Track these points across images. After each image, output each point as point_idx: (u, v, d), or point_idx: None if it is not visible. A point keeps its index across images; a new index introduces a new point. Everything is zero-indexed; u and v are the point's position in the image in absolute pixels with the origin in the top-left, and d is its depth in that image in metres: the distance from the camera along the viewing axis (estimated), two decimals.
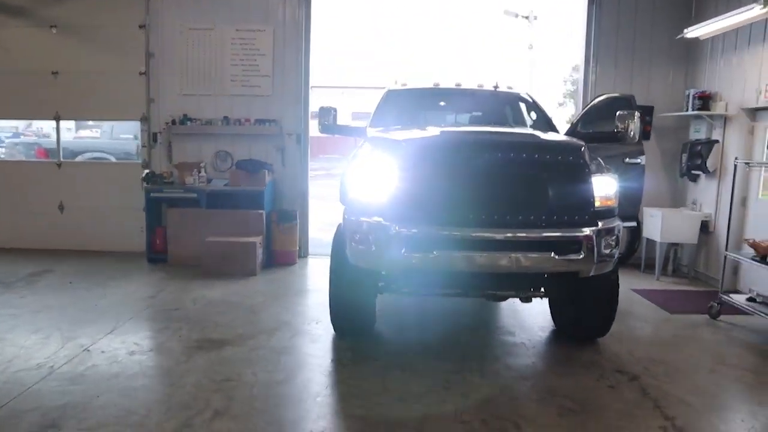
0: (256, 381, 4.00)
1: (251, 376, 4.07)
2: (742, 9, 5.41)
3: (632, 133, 4.95)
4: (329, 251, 7.94)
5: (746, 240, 5.49)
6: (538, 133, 4.86)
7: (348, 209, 4.34)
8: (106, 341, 4.64)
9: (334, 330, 4.87)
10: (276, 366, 4.27)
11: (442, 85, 6.05)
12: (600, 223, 4.15)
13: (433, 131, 4.56)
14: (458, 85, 6.04)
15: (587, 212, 4.13)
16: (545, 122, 5.64)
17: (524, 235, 3.98)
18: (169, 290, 6.15)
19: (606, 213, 4.25)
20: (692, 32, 6.29)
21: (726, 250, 5.81)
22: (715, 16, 5.98)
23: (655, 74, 7.54)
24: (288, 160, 7.73)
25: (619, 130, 4.96)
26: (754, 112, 6.48)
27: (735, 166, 5.68)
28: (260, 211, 7.17)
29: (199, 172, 7.31)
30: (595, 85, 7.55)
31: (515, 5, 17.84)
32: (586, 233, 4.05)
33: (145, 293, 6.04)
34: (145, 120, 7.67)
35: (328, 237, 9.21)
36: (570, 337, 5.01)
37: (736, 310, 5.62)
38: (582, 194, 4.11)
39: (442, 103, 6.29)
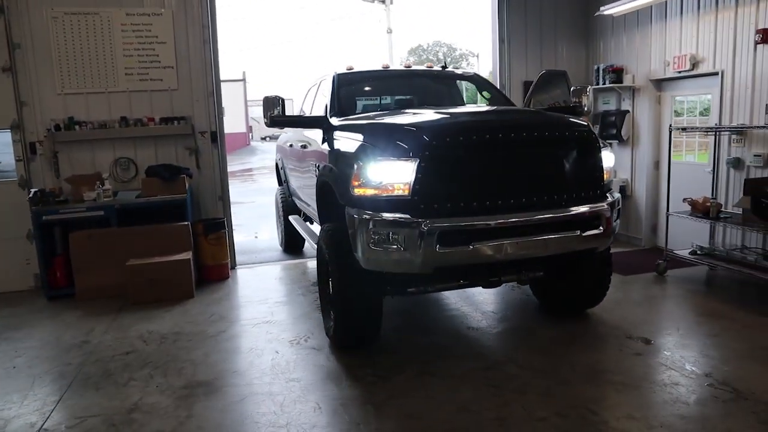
0: (293, 422, 3.41)
1: (283, 417, 3.46)
2: None
3: (586, 105, 5.12)
4: (257, 258, 7.56)
5: (685, 199, 5.97)
6: (544, 112, 4.73)
7: (355, 209, 3.84)
8: (63, 412, 3.65)
9: (339, 343, 4.36)
10: (298, 401, 3.68)
11: (392, 68, 5.71)
12: (609, 196, 4.19)
13: (446, 115, 4.23)
14: (408, 66, 5.75)
15: (599, 187, 4.13)
16: (504, 100, 5.58)
17: (556, 215, 3.85)
18: (100, 331, 5.07)
19: (609, 186, 4.30)
20: (609, 10, 6.67)
21: (667, 210, 6.28)
22: None
23: (561, 52, 7.91)
24: (204, 162, 6.81)
25: (575, 103, 5.11)
26: (660, 83, 7.09)
27: (670, 131, 6.15)
28: (185, 223, 6.23)
29: (102, 184, 6.12)
30: (509, 64, 7.72)
31: None
32: (604, 207, 4.05)
33: (71, 339, 4.90)
34: (16, 128, 6.22)
35: (252, 242, 8.66)
36: (554, 313, 5.06)
37: (676, 264, 6.15)
38: (595, 169, 4.09)
39: (396, 86, 5.93)
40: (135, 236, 6.04)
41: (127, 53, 6.41)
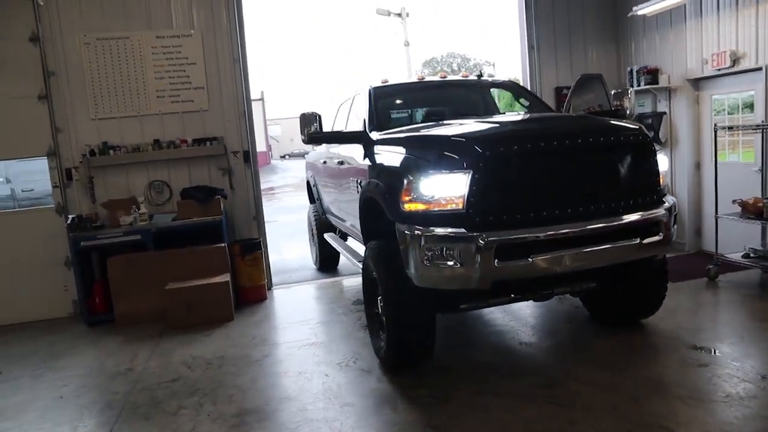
0: None
1: None
2: None
3: (629, 108, 4.99)
4: (291, 277, 7.47)
5: (735, 201, 5.77)
6: (598, 118, 4.59)
7: (405, 224, 3.72)
8: None
9: (392, 363, 4.22)
10: (356, 427, 3.56)
11: (427, 79, 5.63)
12: (666, 201, 4.03)
13: (496, 124, 4.12)
14: (443, 77, 5.66)
15: (656, 192, 3.97)
16: (543, 106, 5.46)
17: (614, 223, 3.70)
18: (144, 357, 5.00)
19: (665, 191, 4.14)
20: (642, 10, 6.53)
21: (716, 212, 6.07)
22: None
23: (591, 55, 7.77)
24: (237, 182, 6.77)
25: (617, 106, 4.98)
26: (698, 83, 6.90)
27: (715, 131, 5.96)
28: (222, 245, 6.17)
29: (138, 208, 6.10)
30: (539, 70, 7.60)
31: (386, 3, 17.88)
32: (662, 212, 3.89)
33: (114, 367, 4.84)
34: (52, 154, 6.24)
35: (284, 262, 8.57)
36: (607, 324, 4.88)
37: (728, 268, 5.94)
38: (651, 174, 3.94)
39: (435, 97, 5.81)
40: (172, 259, 6.00)
41: (158, 76, 6.42)
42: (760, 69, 5.99)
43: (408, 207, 3.73)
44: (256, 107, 7.85)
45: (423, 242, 3.59)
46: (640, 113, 7.49)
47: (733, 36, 6.27)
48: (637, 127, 3.99)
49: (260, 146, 40.84)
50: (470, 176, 3.52)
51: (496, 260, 3.48)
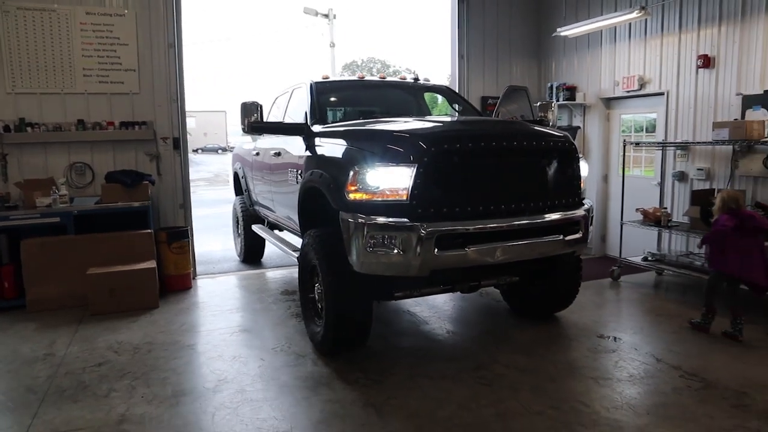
0: (297, 425, 3.38)
1: (285, 422, 3.42)
2: (620, 13, 6.31)
3: (551, 120, 5.45)
4: (215, 268, 7.36)
5: (638, 209, 6.39)
6: (530, 124, 4.93)
7: (350, 213, 3.87)
8: (42, 427, 3.43)
9: (329, 348, 4.32)
10: (296, 405, 3.65)
11: (367, 78, 5.80)
12: (585, 203, 4.45)
13: (440, 123, 4.36)
14: (382, 78, 5.86)
15: (578, 194, 4.38)
16: (475, 112, 5.80)
17: (544, 220, 4.05)
18: (63, 343, 4.78)
19: (584, 193, 4.56)
20: (565, 32, 7.08)
21: (621, 219, 6.69)
22: (563, 21, 6.85)
23: (516, 69, 8.29)
24: (165, 168, 6.60)
25: (542, 117, 5.42)
26: (609, 102, 7.58)
27: (624, 145, 6.58)
28: (148, 231, 6.00)
29: (58, 190, 5.80)
30: (468, 79, 8.01)
31: (314, 3, 17.90)
32: (583, 213, 4.30)
33: (31, 353, 4.59)
34: None
35: (206, 253, 8.34)
36: (525, 316, 5.27)
37: (629, 270, 6.57)
38: (575, 178, 4.34)
39: (368, 95, 5.99)
40: (94, 244, 5.76)
41: (86, 54, 6.15)
42: (662, 94, 6.70)
43: (353, 196, 3.87)
44: None
45: (367, 230, 3.75)
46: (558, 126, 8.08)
47: (642, 62, 6.97)
48: (565, 135, 4.39)
49: None
50: (415, 170, 3.73)
51: (435, 249, 3.71)
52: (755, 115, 5.65)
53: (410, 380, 3.97)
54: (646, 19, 6.75)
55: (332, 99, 5.57)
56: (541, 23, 8.26)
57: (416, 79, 6.04)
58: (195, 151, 44.14)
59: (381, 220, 3.74)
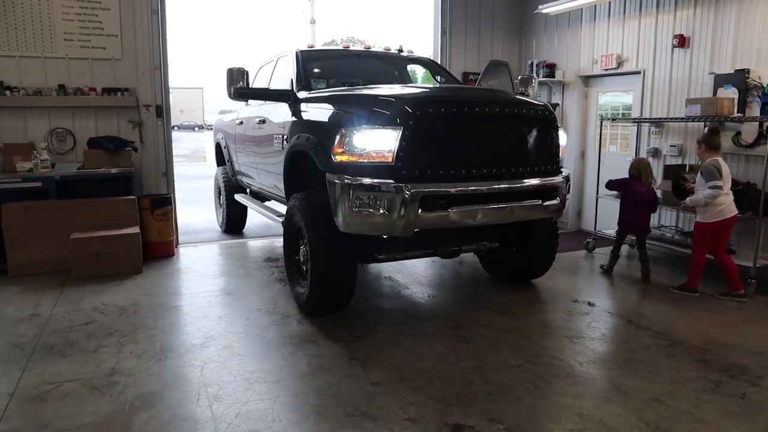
0: (284, 377, 3.50)
1: (272, 375, 3.53)
2: None
3: (531, 95, 5.58)
4: (197, 238, 7.39)
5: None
6: (513, 93, 5.05)
7: (336, 174, 3.96)
8: (33, 380, 3.50)
9: (313, 309, 4.43)
10: (282, 358, 3.77)
11: (351, 48, 5.86)
12: (563, 171, 4.61)
13: (425, 89, 4.45)
14: (367, 48, 5.92)
15: (556, 162, 4.53)
16: (456, 83, 5.90)
17: (523, 185, 4.20)
18: (48, 305, 4.80)
19: (562, 162, 4.72)
20: (546, 9, 7.20)
21: (597, 193, 6.88)
22: None
23: (497, 45, 8.40)
24: (147, 136, 6.59)
25: (522, 91, 5.55)
26: (588, 79, 7.75)
27: (601, 120, 6.77)
28: (132, 197, 6.01)
29: (39, 154, 5.76)
30: (450, 54, 8.10)
31: None
32: (560, 180, 4.46)
33: (15, 314, 4.61)
34: None
35: (187, 224, 8.34)
36: (504, 283, 5.45)
37: (603, 243, 6.79)
38: (553, 146, 4.49)
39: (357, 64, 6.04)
40: (77, 209, 5.75)
41: (66, 17, 6.08)
42: (639, 72, 6.88)
43: (339, 158, 3.97)
44: None
45: (353, 191, 3.85)
46: None
47: (620, 41, 7.13)
48: (545, 104, 4.52)
49: None
50: (401, 132, 3.83)
51: (419, 210, 3.83)
52: (726, 93, 5.86)
53: (393, 337, 4.11)
54: None
55: (317, 67, 5.61)
56: (524, 1, 8.36)
57: (400, 51, 6.12)
58: (172, 128, 43.45)
59: (367, 181, 3.84)
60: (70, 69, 6.16)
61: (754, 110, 5.60)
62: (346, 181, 3.88)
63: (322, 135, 4.20)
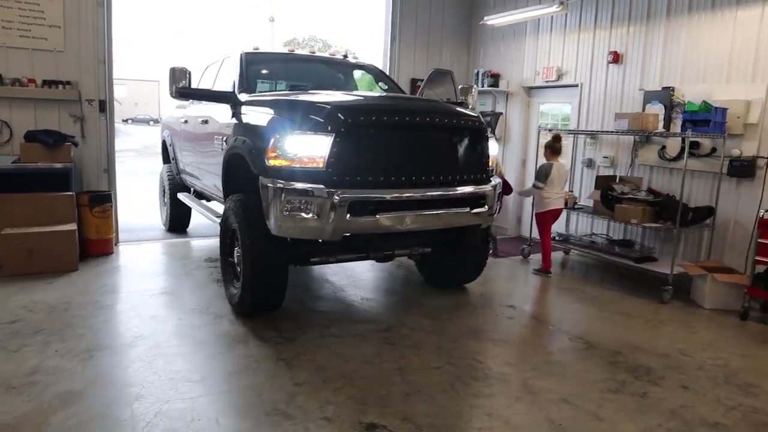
0: (208, 376, 3.56)
1: (197, 373, 3.59)
2: (542, 6, 6.69)
3: (471, 103, 5.77)
4: (139, 236, 7.32)
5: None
6: (444, 102, 5.20)
7: (269, 178, 4.04)
8: None
9: (245, 309, 4.50)
10: (210, 359, 3.83)
11: (297, 52, 5.92)
12: (492, 180, 4.80)
13: (360, 97, 4.56)
14: (312, 53, 6.00)
15: (485, 171, 4.72)
16: (399, 91, 6.04)
17: (450, 193, 4.36)
18: None
19: (492, 171, 4.91)
20: (490, 20, 7.42)
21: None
22: (492, 10, 7.22)
23: (446, 53, 8.60)
24: (90, 131, 6.50)
25: (462, 100, 5.74)
26: (530, 90, 8.02)
27: (539, 131, 7.02)
28: (70, 193, 5.93)
29: None
30: (399, 61, 8.25)
31: None
32: (488, 189, 4.64)
33: None
34: None
35: (132, 222, 8.22)
36: (437, 287, 5.60)
37: (538, 248, 7.04)
38: (483, 156, 4.67)
39: (301, 69, 6.10)
40: (11, 204, 5.64)
41: (5, 4, 5.93)
42: (576, 86, 7.18)
43: (272, 162, 4.05)
44: None
45: (284, 195, 3.94)
46: (481, 111, 8.46)
47: (560, 55, 7.42)
48: (476, 115, 4.70)
49: None
50: (332, 139, 3.94)
51: (348, 215, 3.95)
52: (653, 109, 6.19)
53: (321, 339, 4.22)
54: (566, 14, 7.19)
55: (262, 70, 5.67)
56: (473, 10, 8.59)
57: (345, 56, 6.23)
58: (125, 121, 42.39)
59: (298, 185, 3.93)
60: (8, 58, 6.02)
61: (678, 126, 5.93)
62: (278, 185, 3.97)
63: (257, 138, 4.27)
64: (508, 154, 8.26)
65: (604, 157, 6.86)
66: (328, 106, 4.13)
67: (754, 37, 5.50)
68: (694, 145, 5.92)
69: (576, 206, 6.64)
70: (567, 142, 7.47)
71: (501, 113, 8.21)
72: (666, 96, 6.14)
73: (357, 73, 6.67)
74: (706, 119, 5.53)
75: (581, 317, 5.00)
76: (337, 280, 5.73)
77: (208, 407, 3.20)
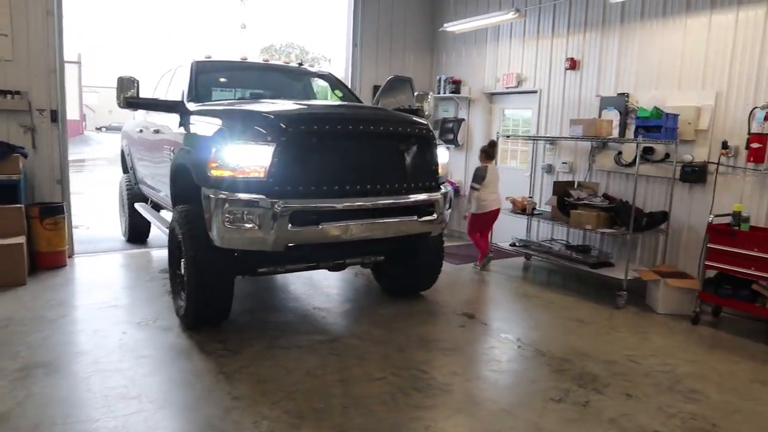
0: (145, 393, 3.47)
1: (134, 389, 3.51)
2: (499, 13, 6.73)
3: (427, 110, 5.74)
4: (97, 247, 7.19)
5: (507, 197, 6.87)
6: (391, 110, 5.17)
7: (211, 189, 3.98)
8: None
9: (190, 322, 4.41)
10: (149, 375, 3.74)
11: (249, 60, 5.87)
12: (442, 188, 4.78)
13: (303, 106, 4.52)
14: (266, 60, 5.95)
15: (434, 179, 4.70)
16: (354, 99, 6.01)
17: (396, 201, 4.33)
18: None
19: (443, 179, 4.89)
20: (450, 27, 7.44)
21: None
22: (453, 17, 7.25)
23: (409, 60, 8.60)
24: (41, 142, 6.36)
25: (418, 107, 5.72)
26: (492, 96, 8.05)
27: (498, 137, 7.04)
28: (18, 206, 5.79)
29: None
30: (361, 67, 8.23)
31: None
32: (438, 197, 4.62)
33: None
34: None
35: (91, 233, 8.06)
36: (393, 295, 5.56)
37: (502, 255, 7.05)
38: (432, 163, 4.65)
39: (252, 77, 6.04)
40: None
41: None
42: (536, 92, 7.21)
43: (214, 173, 3.99)
44: (71, 70, 7.41)
45: (226, 206, 3.89)
46: (444, 117, 8.49)
47: (520, 61, 7.46)
48: (425, 122, 4.69)
49: (74, 114, 37.10)
50: (273, 149, 3.90)
51: (290, 225, 3.90)
52: (609, 115, 6.22)
53: (267, 351, 4.15)
54: (525, 21, 7.23)
55: (214, 79, 5.61)
56: (435, 17, 8.61)
57: (301, 64, 6.19)
58: (99, 129, 41.86)
59: (239, 196, 3.88)
60: None
61: (633, 132, 5.97)
62: (219, 195, 3.91)
63: (199, 148, 4.21)
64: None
65: (563, 162, 6.89)
66: (270, 116, 4.09)
67: (703, 44, 5.57)
68: (649, 150, 5.98)
69: (535, 212, 6.65)
70: (527, 148, 7.51)
71: (463, 119, 8.23)
72: (621, 102, 6.19)
73: (317, 82, 6.64)
74: (657, 125, 5.58)
75: (535, 324, 4.99)
76: (294, 289, 5.67)
77: (140, 425, 3.12)
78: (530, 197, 6.90)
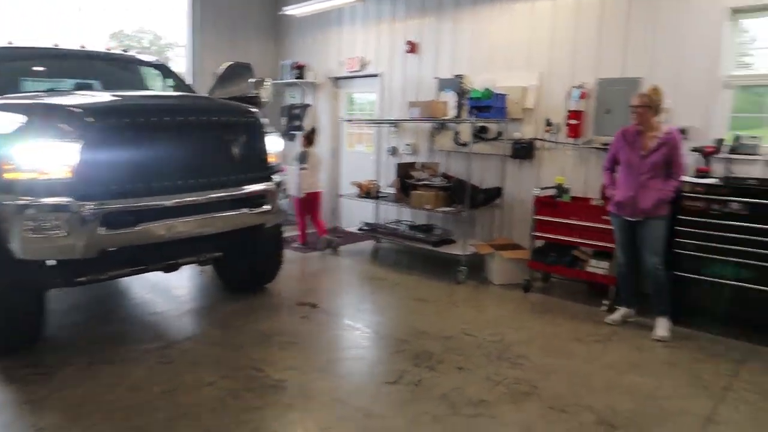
0: None
1: None
2: None
3: (265, 97, 5.56)
4: None
5: (352, 182, 6.90)
6: (214, 98, 4.90)
7: (8, 195, 3.52)
8: None
9: None
10: None
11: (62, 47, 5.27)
12: (274, 177, 4.65)
13: (115, 97, 4.12)
14: (82, 47, 5.39)
15: (265, 168, 4.55)
16: (186, 89, 5.66)
17: (223, 195, 4.13)
18: None
19: (274, 168, 4.75)
20: (290, 11, 7.25)
21: (339, 192, 7.14)
22: (295, 0, 7.11)
23: (253, 45, 8.29)
24: None
25: (255, 94, 5.52)
26: (337, 81, 8.00)
27: (341, 122, 7.00)
28: None
29: None
30: (201, 55, 7.79)
31: None
32: (270, 187, 4.49)
33: None
34: None
35: None
36: (236, 290, 5.35)
37: (353, 239, 7.11)
38: (261, 152, 4.49)
39: (64, 65, 5.40)
40: None
41: None
42: (378, 75, 7.27)
43: (9, 176, 3.53)
44: None
45: (27, 213, 3.47)
46: (291, 104, 8.31)
47: (363, 45, 7.47)
48: (252, 110, 4.50)
49: None
50: (79, 145, 3.53)
51: (102, 228, 3.57)
52: (446, 96, 6.43)
53: (87, 368, 3.79)
54: (366, 5, 7.23)
55: (19, 68, 4.98)
56: (278, 1, 8.35)
57: (125, 51, 5.70)
58: None
59: (42, 200, 3.48)
60: None
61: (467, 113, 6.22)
62: (18, 202, 3.48)
63: None
64: (320, 147, 8.20)
65: (406, 144, 7.04)
66: (75, 109, 3.69)
67: (528, 28, 5.91)
68: (483, 130, 6.27)
69: (379, 195, 6.74)
70: (372, 132, 7.58)
71: (310, 105, 8.10)
72: (457, 84, 6.40)
73: (149, 71, 6.15)
74: (488, 105, 5.86)
75: (378, 307, 5.07)
76: (135, 294, 5.27)
77: None
78: (375, 180, 6.97)
